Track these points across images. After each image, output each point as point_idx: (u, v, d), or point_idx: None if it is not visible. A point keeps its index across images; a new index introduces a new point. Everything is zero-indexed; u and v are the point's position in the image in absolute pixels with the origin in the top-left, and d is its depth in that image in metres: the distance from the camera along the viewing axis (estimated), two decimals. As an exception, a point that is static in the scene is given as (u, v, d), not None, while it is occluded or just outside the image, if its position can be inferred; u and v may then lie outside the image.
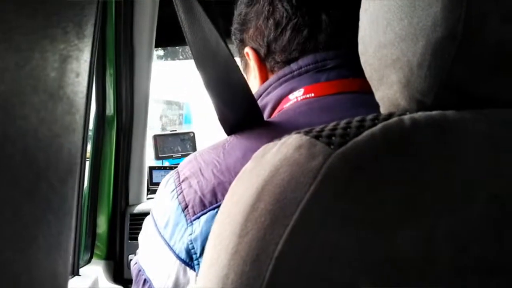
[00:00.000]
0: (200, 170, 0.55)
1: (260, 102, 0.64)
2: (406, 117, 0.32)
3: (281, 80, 0.63)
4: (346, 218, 0.29)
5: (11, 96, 0.20)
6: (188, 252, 0.53)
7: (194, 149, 1.95)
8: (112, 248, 1.56)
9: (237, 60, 0.66)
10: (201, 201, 0.53)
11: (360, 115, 0.55)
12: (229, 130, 0.60)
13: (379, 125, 0.31)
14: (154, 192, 1.79)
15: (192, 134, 1.94)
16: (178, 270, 0.54)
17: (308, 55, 0.62)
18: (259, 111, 0.60)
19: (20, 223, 0.21)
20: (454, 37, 0.32)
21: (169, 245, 0.55)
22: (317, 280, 0.29)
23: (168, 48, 2.71)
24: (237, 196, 0.34)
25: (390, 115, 0.33)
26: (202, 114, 5.12)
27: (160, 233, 0.56)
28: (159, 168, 1.82)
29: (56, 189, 0.23)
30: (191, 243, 0.53)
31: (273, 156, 0.33)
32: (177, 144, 1.90)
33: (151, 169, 1.79)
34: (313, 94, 0.61)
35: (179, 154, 1.90)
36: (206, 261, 0.34)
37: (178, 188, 0.56)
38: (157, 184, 1.79)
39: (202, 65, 0.57)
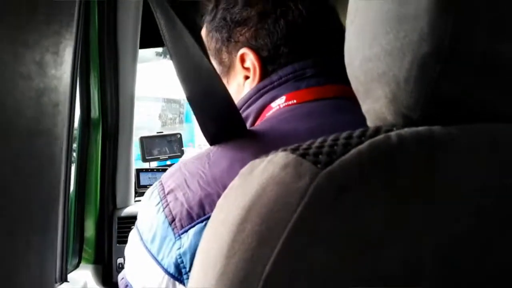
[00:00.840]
0: (186, 182, 0.55)
1: (242, 113, 0.64)
2: (393, 134, 0.32)
3: (261, 91, 0.64)
4: (333, 238, 0.29)
5: None
6: (177, 266, 0.53)
7: (181, 151, 1.94)
8: (100, 252, 1.55)
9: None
10: (189, 213, 0.52)
11: (338, 120, 0.57)
12: (212, 141, 0.59)
13: (366, 143, 0.31)
14: (141, 194, 1.78)
15: (179, 136, 1.93)
16: (167, 285, 0.54)
17: (287, 66, 0.63)
18: (241, 121, 0.60)
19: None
20: (440, 52, 0.32)
21: (157, 260, 0.54)
22: None
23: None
24: (224, 214, 0.34)
25: (376, 131, 0.33)
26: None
27: (146, 247, 0.55)
28: (146, 170, 1.81)
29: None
30: (180, 257, 0.52)
31: (260, 174, 0.33)
32: (164, 146, 1.89)
33: (138, 171, 1.78)
34: (295, 101, 0.61)
35: (166, 156, 1.89)
36: (193, 278, 0.34)
37: (163, 201, 0.55)
38: (145, 186, 1.78)
39: (185, 80, 0.57)
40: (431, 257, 0.29)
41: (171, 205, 0.54)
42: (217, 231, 0.33)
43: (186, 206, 0.53)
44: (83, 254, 1.51)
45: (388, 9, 0.33)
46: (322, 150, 0.32)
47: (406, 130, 0.32)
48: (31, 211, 0.23)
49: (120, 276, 0.63)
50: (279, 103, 0.62)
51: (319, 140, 0.34)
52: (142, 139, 1.87)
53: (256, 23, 0.64)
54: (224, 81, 0.69)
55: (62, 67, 0.24)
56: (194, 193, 0.53)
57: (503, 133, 0.32)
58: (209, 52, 0.68)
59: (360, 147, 0.31)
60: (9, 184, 0.21)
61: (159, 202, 0.56)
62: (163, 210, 0.54)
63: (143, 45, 1.54)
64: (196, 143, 3.44)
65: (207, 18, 0.70)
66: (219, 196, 0.52)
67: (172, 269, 0.53)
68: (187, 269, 0.52)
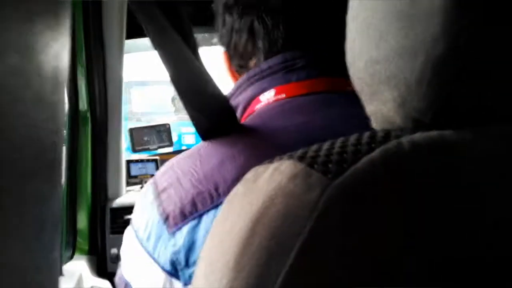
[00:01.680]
0: (178, 180, 0.55)
1: (232, 101, 0.64)
2: (405, 140, 0.30)
3: (251, 79, 0.63)
4: (346, 251, 0.28)
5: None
6: (173, 263, 0.53)
7: (170, 140, 1.95)
8: (94, 243, 1.56)
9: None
10: (181, 212, 0.53)
11: (329, 115, 0.56)
12: (204, 136, 0.60)
13: (377, 151, 0.29)
14: (132, 184, 1.79)
15: (168, 126, 1.93)
16: (164, 281, 0.54)
17: (278, 55, 0.61)
18: (233, 116, 0.60)
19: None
20: (456, 52, 0.29)
21: (153, 257, 0.55)
22: None
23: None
24: (230, 223, 0.32)
25: (386, 137, 0.31)
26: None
27: (143, 245, 0.56)
28: (136, 161, 1.81)
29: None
30: (175, 254, 0.53)
31: (266, 183, 0.31)
32: (153, 136, 1.89)
33: (129, 162, 1.78)
34: (284, 95, 0.60)
35: (155, 146, 1.89)
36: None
37: (157, 200, 0.56)
38: (135, 177, 1.79)
39: (175, 78, 0.57)
40: (446, 268, 0.28)
41: (164, 203, 0.55)
42: (223, 242, 0.32)
43: (179, 204, 0.53)
44: (77, 246, 1.52)
45: (397, 6, 0.31)
46: (331, 158, 0.30)
47: (417, 136, 0.30)
48: (30, 205, 0.23)
49: (117, 275, 0.64)
50: (268, 97, 0.61)
51: (326, 146, 0.32)
52: (131, 130, 1.87)
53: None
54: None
55: (60, 54, 0.25)
56: (187, 192, 0.54)
57: None
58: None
59: (372, 155, 0.29)
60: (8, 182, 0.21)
61: (153, 201, 0.56)
62: (157, 209, 0.55)
63: (130, 36, 1.53)
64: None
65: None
66: (210, 193, 0.53)
67: (168, 266, 0.54)
68: (182, 266, 0.53)
